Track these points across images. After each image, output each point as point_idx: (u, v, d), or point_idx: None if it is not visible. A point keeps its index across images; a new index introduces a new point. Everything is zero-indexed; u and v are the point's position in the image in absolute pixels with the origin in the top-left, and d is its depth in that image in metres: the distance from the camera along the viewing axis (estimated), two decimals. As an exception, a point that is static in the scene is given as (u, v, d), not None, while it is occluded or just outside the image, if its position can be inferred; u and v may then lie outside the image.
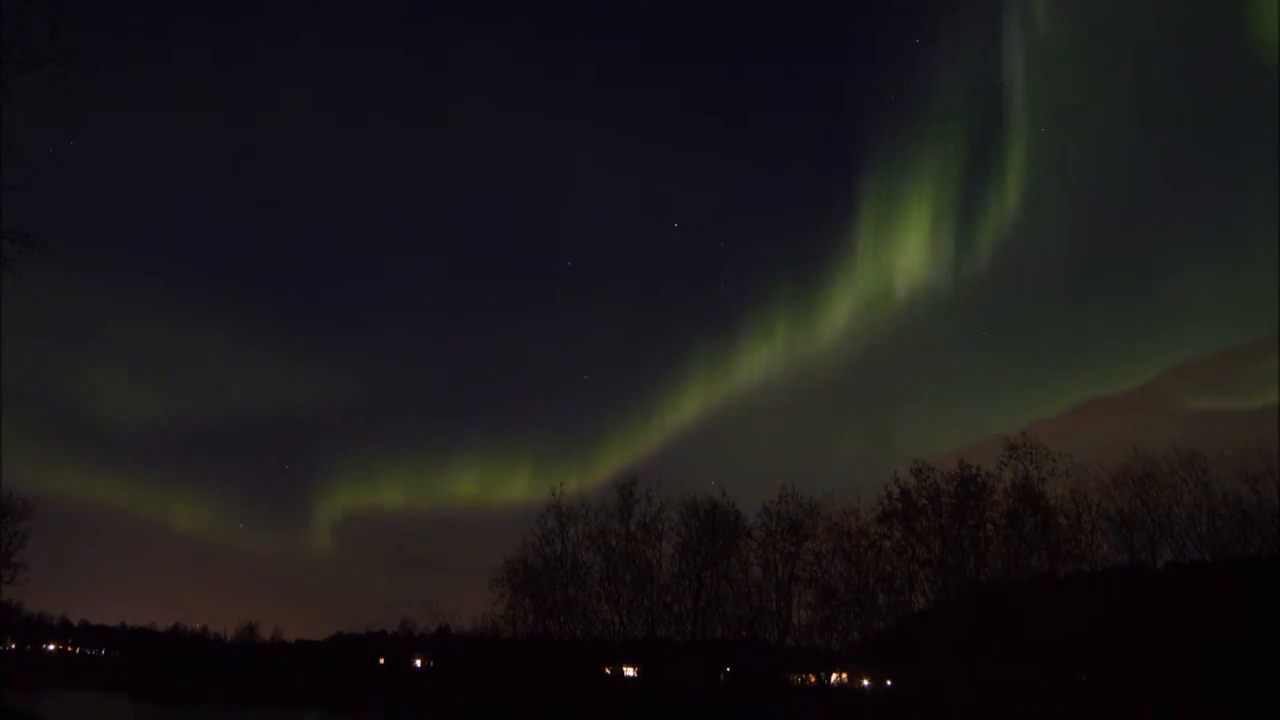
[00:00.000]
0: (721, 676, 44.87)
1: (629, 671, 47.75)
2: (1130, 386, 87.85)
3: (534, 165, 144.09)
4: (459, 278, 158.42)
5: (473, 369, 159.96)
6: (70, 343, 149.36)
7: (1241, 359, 73.62)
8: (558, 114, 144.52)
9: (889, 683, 40.30)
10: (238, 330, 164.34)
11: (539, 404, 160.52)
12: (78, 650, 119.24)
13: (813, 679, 42.59)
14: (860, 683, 42.60)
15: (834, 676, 42.61)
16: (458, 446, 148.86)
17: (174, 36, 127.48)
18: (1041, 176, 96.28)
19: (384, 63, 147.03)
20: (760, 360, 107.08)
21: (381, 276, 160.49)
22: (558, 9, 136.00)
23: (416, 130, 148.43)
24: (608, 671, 47.98)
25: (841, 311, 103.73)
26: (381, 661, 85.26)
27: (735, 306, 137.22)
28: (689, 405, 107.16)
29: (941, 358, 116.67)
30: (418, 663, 78.61)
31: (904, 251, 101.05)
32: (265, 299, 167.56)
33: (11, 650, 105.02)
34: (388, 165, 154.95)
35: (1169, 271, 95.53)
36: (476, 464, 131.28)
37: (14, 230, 13.78)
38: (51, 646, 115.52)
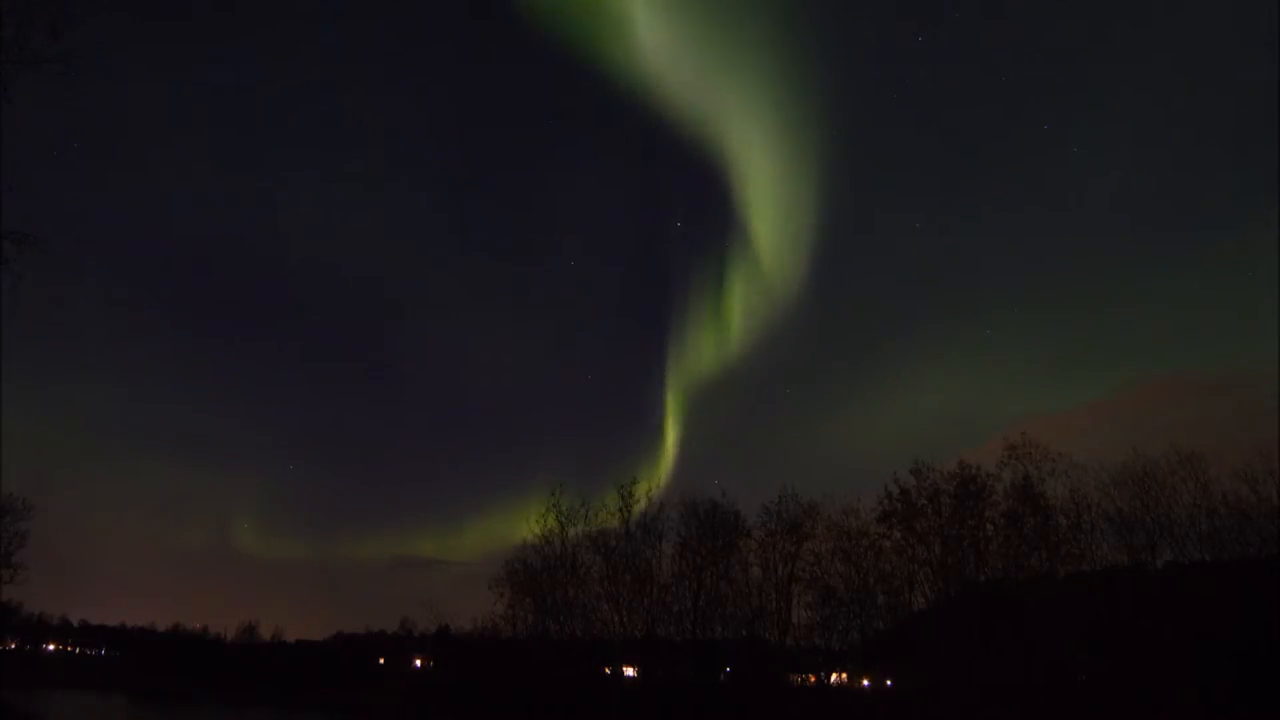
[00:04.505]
0: (721, 676, 44.79)
1: (629, 671, 47.65)
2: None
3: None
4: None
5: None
6: (71, 343, 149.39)
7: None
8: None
9: (889, 683, 40.27)
10: (238, 331, 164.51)
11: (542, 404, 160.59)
12: (78, 650, 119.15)
13: (813, 679, 42.50)
14: (860, 683, 42.57)
15: (834, 676, 42.54)
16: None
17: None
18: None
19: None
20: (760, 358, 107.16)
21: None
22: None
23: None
24: (608, 671, 47.88)
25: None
26: (381, 661, 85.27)
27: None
28: (689, 406, 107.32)
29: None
30: (418, 663, 78.62)
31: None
32: (266, 302, 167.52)
33: (11, 650, 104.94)
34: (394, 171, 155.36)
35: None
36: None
37: (14, 230, 13.73)
38: (51, 646, 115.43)
